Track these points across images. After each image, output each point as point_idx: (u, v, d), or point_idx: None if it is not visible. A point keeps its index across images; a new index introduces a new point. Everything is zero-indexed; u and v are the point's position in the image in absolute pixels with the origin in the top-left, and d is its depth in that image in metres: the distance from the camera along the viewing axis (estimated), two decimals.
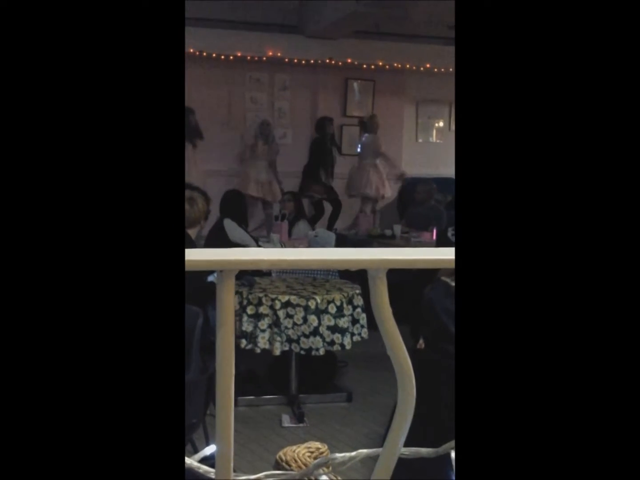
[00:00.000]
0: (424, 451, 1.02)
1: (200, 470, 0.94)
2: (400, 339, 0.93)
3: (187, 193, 3.72)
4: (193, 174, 6.59)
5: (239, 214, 5.09)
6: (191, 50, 6.94)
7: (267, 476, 0.96)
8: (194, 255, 0.88)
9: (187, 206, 3.65)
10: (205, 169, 6.88)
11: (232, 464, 0.88)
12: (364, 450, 0.99)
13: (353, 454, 0.99)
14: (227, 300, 0.89)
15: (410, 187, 7.22)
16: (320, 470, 1.09)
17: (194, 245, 3.63)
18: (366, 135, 7.27)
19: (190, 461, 0.95)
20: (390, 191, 7.44)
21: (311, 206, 7.05)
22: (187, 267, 0.84)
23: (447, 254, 0.91)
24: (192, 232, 3.74)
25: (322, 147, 7.15)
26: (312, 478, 1.08)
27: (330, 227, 6.97)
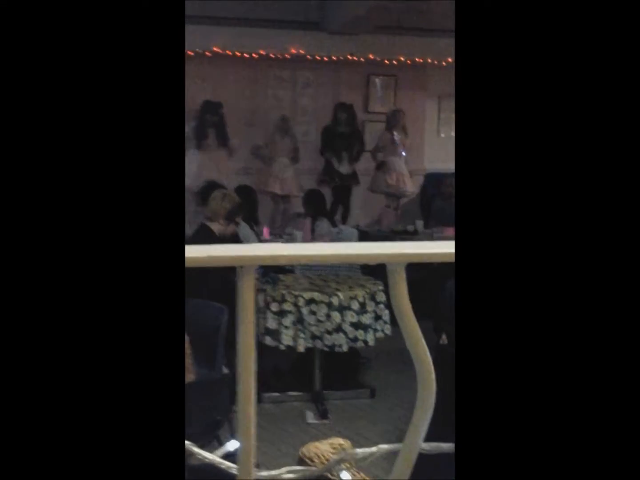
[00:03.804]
0: (445, 446, 1.01)
1: (223, 467, 0.95)
2: (419, 333, 0.92)
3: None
4: (220, 172, 6.62)
5: (250, 213, 5.08)
6: (215, 49, 6.98)
7: (289, 472, 0.97)
8: (213, 252, 0.88)
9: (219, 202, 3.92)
10: (232, 167, 6.91)
11: (253, 460, 0.88)
12: (385, 446, 0.99)
13: (373, 449, 0.99)
14: (248, 296, 0.89)
15: (433, 183, 7.18)
16: (342, 466, 1.09)
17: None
18: (388, 129, 7.24)
19: (213, 457, 0.96)
20: (412, 187, 7.40)
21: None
22: (206, 264, 0.84)
23: None
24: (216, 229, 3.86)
25: (331, 132, 7.11)
26: (334, 474, 1.08)
27: (343, 221, 6.93)
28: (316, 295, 3.88)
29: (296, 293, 3.89)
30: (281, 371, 4.41)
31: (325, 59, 7.52)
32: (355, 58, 7.56)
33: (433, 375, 0.94)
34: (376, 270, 4.28)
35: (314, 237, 5.43)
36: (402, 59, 7.69)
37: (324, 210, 6.19)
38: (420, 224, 6.31)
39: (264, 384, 4.22)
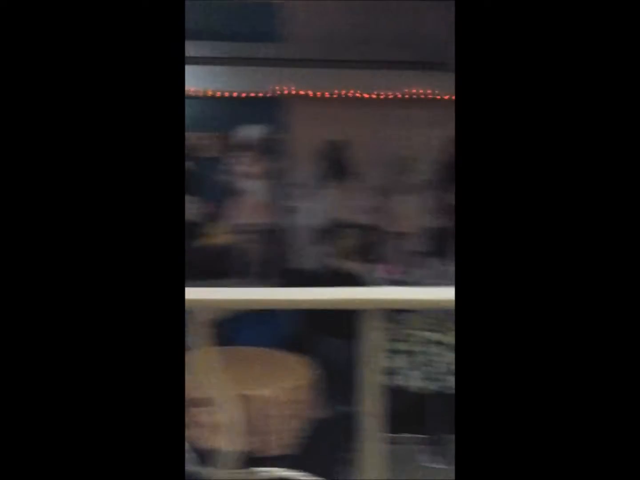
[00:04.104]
0: None
1: None
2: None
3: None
4: (344, 211, 6.77)
5: (373, 252, 5.08)
6: (338, 91, 7.21)
7: None
8: (340, 294, 0.92)
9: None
10: (355, 205, 7.06)
11: None
12: None
13: None
14: (373, 337, 0.92)
15: None
16: None
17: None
18: None
19: None
20: None
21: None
22: (333, 306, 0.88)
23: None
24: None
25: (449, 169, 7.07)
26: None
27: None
28: (438, 336, 3.84)
29: (417, 333, 3.87)
30: (396, 412, 4.38)
31: (442, 97, 7.59)
32: None
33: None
34: None
35: (435, 275, 5.37)
36: None
37: (445, 248, 6.13)
38: None
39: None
